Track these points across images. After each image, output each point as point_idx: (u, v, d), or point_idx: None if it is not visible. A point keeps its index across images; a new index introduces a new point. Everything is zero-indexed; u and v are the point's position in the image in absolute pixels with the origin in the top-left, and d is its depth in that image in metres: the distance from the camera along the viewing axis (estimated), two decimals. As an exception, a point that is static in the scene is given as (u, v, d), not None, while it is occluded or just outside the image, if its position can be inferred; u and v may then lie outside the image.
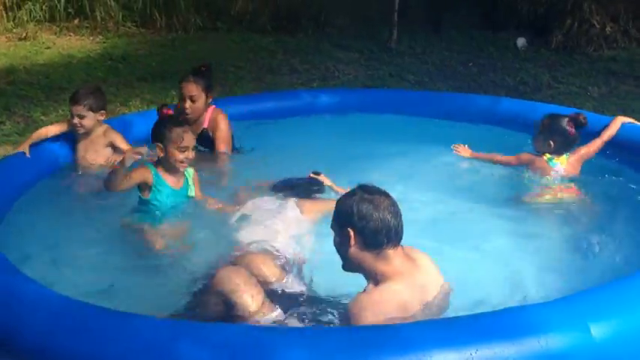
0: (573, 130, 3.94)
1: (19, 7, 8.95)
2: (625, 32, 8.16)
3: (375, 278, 2.33)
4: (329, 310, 2.53)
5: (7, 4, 8.91)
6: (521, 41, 8.58)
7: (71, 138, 4.27)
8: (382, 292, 2.29)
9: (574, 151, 4.01)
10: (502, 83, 7.33)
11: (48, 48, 8.30)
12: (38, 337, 2.18)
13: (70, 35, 8.87)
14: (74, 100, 4.11)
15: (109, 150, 4.22)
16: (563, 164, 3.98)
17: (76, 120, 4.10)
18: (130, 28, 9.16)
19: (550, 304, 2.22)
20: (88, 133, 4.18)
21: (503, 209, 3.64)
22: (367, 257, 2.33)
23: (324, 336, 2.16)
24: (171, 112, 3.80)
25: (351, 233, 2.32)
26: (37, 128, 5.71)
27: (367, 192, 2.35)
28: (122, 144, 4.17)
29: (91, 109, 4.12)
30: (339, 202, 2.40)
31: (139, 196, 3.51)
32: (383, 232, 2.30)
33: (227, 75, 7.51)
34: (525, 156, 4.10)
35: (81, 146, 4.22)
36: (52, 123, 5.81)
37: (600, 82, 7.08)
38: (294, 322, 2.49)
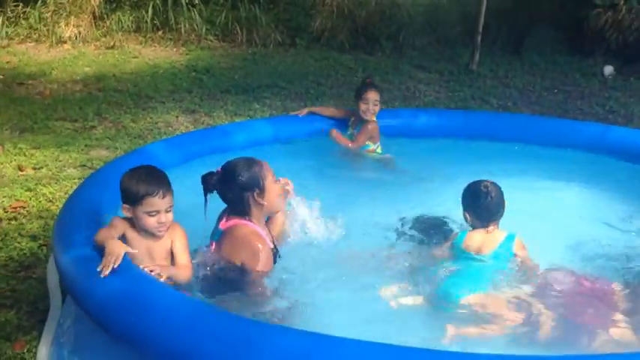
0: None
1: (108, 17, 9.26)
2: None
3: None
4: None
5: (97, 14, 9.23)
6: (608, 69, 8.33)
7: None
8: None
9: None
10: (590, 111, 7.11)
11: (135, 57, 8.54)
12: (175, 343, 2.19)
13: (155, 46, 9.10)
14: (164, 186, 2.83)
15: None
16: None
17: (163, 217, 2.83)
18: (212, 42, 9.34)
19: None
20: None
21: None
22: None
23: None
24: None
25: None
26: (127, 134, 5.93)
27: None
28: (183, 257, 2.93)
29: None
30: None
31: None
32: None
33: (308, 90, 7.54)
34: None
35: (142, 249, 2.88)
36: (140, 132, 6.04)
37: (697, 115, 6.79)
38: None
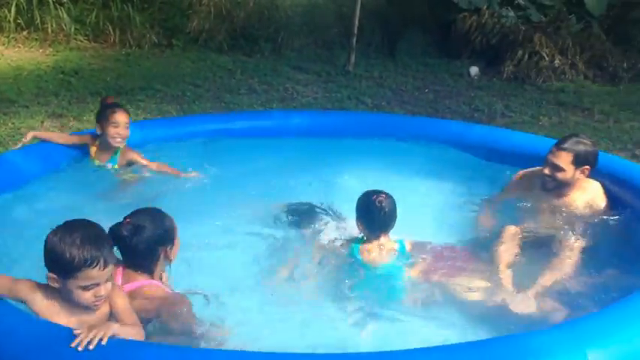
0: None
1: (-34, 16, 8.64)
2: (573, 65, 8.49)
3: None
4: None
5: (-47, 13, 8.59)
6: (474, 70, 8.82)
7: None
8: None
9: None
10: (458, 110, 7.49)
11: (-4, 58, 8.02)
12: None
13: (19, 47, 8.59)
14: (106, 251, 2.32)
15: None
16: None
17: (102, 290, 2.34)
18: (82, 42, 8.94)
19: (550, 331, 2.26)
20: None
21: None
22: None
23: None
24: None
25: None
26: (-15, 140, 5.54)
27: None
28: (130, 317, 2.48)
29: None
30: None
31: None
32: None
33: (185, 93, 7.40)
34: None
35: (72, 323, 2.37)
36: (0, 138, 5.66)
37: (551, 113, 7.33)
38: None
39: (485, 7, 9.15)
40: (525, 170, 4.03)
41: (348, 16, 9.01)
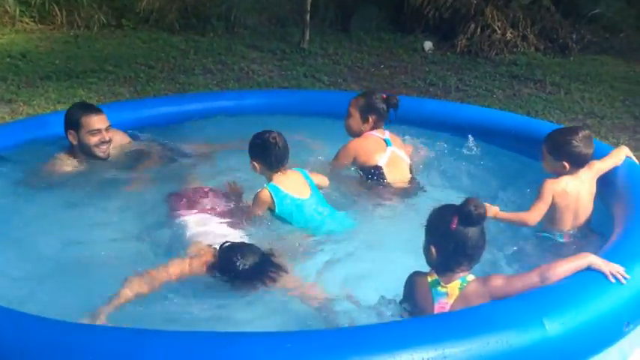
0: None
1: None
2: (524, 37, 8.64)
3: None
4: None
5: None
6: (428, 44, 8.88)
7: None
8: None
9: None
10: (413, 85, 7.55)
11: (-64, 43, 7.70)
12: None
13: (-39, 30, 8.27)
14: None
15: None
16: None
17: None
18: (28, 24, 8.66)
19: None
20: None
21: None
22: None
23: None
24: None
25: None
26: None
27: None
28: None
29: None
30: None
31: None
32: None
33: (138, 74, 7.26)
34: None
35: None
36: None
37: (504, 85, 7.45)
38: None
39: (437, -19, 9.19)
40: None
41: (301, -7, 8.94)
